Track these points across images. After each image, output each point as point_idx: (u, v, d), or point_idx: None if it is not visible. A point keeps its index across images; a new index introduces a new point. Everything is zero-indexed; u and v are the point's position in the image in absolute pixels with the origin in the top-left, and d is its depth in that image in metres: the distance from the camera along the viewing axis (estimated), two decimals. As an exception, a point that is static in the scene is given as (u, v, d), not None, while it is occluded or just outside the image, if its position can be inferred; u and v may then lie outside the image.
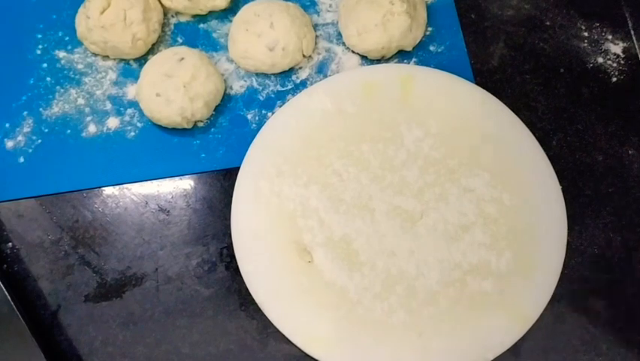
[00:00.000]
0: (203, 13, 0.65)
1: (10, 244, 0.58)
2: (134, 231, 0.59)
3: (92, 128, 0.62)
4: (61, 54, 0.65)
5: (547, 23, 0.66)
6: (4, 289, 0.54)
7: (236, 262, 0.54)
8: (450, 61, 0.64)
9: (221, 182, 0.60)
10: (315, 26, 0.65)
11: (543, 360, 0.55)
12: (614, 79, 0.64)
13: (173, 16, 0.66)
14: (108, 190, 0.60)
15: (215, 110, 0.62)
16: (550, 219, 0.54)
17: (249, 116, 0.62)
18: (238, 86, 0.64)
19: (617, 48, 0.65)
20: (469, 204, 0.54)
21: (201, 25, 0.66)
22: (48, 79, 0.64)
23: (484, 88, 0.58)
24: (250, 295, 0.52)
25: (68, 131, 0.62)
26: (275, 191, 0.55)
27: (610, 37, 0.66)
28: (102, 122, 0.62)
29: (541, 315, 0.51)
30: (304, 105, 0.58)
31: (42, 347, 0.53)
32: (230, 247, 0.55)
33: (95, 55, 0.65)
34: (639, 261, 0.57)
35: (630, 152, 0.61)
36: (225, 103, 0.63)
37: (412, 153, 0.57)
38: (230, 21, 0.65)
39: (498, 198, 0.55)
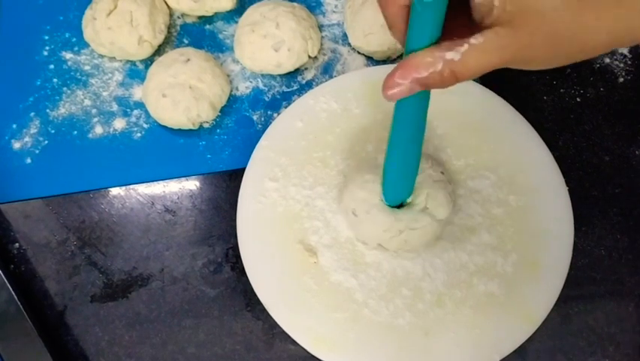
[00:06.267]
0: (209, 14, 0.65)
1: (17, 244, 0.59)
2: (140, 231, 0.59)
3: (98, 130, 0.62)
4: (68, 55, 0.65)
5: (554, 23, 0.66)
6: (11, 290, 0.55)
7: (242, 263, 0.54)
8: (456, 61, 0.63)
9: (227, 183, 0.60)
10: (321, 27, 0.65)
11: (550, 362, 0.55)
12: (621, 79, 0.64)
13: (179, 18, 0.67)
14: (114, 191, 0.60)
15: (220, 111, 0.62)
16: (557, 220, 0.54)
17: (255, 117, 0.62)
18: (244, 87, 0.64)
19: (624, 48, 0.65)
20: (475, 206, 0.54)
21: (207, 27, 0.66)
22: (55, 80, 0.64)
23: (489, 88, 0.58)
24: (256, 295, 0.52)
25: (75, 132, 0.62)
26: (281, 192, 0.55)
27: (617, 37, 0.65)
28: (108, 123, 0.62)
29: (548, 316, 0.51)
30: (310, 106, 0.58)
31: (49, 347, 0.53)
32: (235, 247, 0.55)
33: (102, 56, 0.65)
34: (646, 262, 0.57)
35: (637, 152, 0.61)
36: (231, 104, 0.63)
37: (418, 154, 0.56)
38: (236, 22, 0.65)
39: (504, 200, 0.54)
